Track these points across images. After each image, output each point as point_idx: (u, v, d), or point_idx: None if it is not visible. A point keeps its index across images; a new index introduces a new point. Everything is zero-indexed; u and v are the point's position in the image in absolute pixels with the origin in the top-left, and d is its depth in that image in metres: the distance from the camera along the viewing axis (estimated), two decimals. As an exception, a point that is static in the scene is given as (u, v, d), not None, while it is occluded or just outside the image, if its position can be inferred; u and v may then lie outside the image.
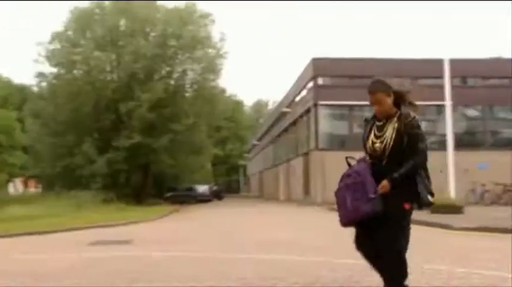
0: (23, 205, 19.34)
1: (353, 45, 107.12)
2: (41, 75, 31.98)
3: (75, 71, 31.94)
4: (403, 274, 3.42)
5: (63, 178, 31.97)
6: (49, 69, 31.71)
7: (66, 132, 31.07)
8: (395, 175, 3.40)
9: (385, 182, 3.41)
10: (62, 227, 12.91)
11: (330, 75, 31.29)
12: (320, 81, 31.05)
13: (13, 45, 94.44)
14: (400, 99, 3.59)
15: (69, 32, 31.65)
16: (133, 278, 5.37)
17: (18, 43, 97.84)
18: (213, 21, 33.36)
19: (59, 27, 32.03)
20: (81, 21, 31.34)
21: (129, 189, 31.75)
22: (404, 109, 3.57)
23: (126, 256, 7.42)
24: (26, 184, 52.08)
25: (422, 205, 3.49)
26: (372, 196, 3.36)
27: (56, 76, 31.93)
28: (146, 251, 7.86)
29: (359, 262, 4.04)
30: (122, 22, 32.34)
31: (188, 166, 38.96)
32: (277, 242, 8.73)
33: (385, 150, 3.49)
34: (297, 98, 35.33)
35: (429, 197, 3.49)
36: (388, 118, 3.57)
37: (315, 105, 30.35)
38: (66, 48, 30.97)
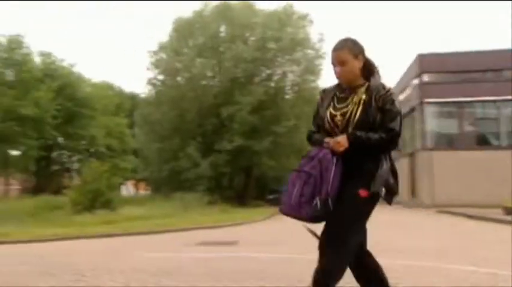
0: (136, 207, 20.44)
1: (455, 40, 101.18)
2: (150, 83, 33.88)
3: (178, 78, 33.32)
4: (342, 268, 2.81)
5: (169, 181, 33.39)
6: (157, 77, 33.57)
7: (172, 137, 32.43)
8: (358, 133, 2.79)
9: (342, 137, 2.79)
10: (171, 228, 13.40)
11: (436, 72, 29.67)
12: (426, 78, 29.58)
13: (124, 55, 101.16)
14: (370, 71, 2.98)
15: (173, 42, 33.13)
16: (242, 278, 5.29)
17: (129, 53, 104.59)
18: (311, 22, 33.17)
19: (165, 37, 33.80)
20: (184, 31, 32.70)
21: (232, 191, 32.38)
22: (375, 81, 2.96)
23: (233, 256, 7.40)
24: (136, 187, 55.44)
25: (373, 193, 2.80)
26: (320, 196, 2.74)
27: (162, 83, 33.63)
28: (252, 252, 7.80)
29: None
30: (222, 28, 33.21)
31: (289, 167, 38.88)
32: (394, 245, 8.26)
33: (348, 124, 2.85)
34: (401, 97, 33.96)
35: (383, 189, 2.86)
36: (353, 90, 2.95)
37: (421, 103, 28.95)
38: (171, 57, 32.47)
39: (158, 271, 5.88)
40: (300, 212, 2.80)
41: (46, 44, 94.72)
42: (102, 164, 21.24)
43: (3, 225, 13.17)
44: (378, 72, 3.02)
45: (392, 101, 2.87)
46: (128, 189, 52.78)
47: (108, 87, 49.57)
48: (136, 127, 38.17)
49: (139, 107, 37.79)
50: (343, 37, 2.99)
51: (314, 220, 2.81)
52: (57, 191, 35.00)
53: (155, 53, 33.24)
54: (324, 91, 3.13)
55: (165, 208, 21.12)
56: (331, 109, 2.95)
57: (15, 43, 37.53)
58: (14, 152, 39.48)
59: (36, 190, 37.60)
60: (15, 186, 46.84)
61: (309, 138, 3.11)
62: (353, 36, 3.00)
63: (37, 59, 40.88)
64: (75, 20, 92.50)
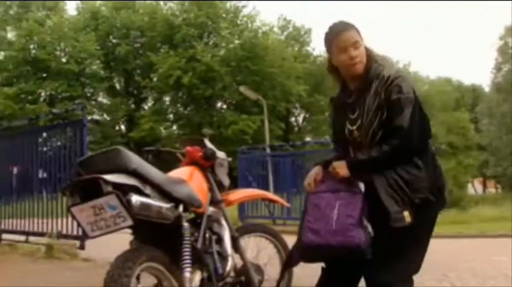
0: (487, 206, 19.08)
1: None
2: (496, 70, 31.56)
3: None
4: None
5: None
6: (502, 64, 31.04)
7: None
8: (360, 156, 2.22)
9: (339, 164, 2.23)
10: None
11: None
12: None
13: (462, 46, 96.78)
14: (369, 57, 2.29)
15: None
16: None
17: (466, 43, 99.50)
18: None
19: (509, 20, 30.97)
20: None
21: None
22: (377, 69, 2.26)
23: None
24: (484, 184, 51.97)
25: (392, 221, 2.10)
26: (366, 223, 2.12)
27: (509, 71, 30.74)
28: None
29: None
30: None
31: None
32: None
33: (374, 137, 2.22)
34: None
35: (404, 213, 2.12)
36: (360, 89, 2.27)
37: None
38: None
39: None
40: (347, 237, 2.08)
41: (381, 47, 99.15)
42: (447, 161, 20.72)
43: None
44: (378, 57, 2.35)
45: (399, 89, 2.17)
46: (474, 187, 50.00)
47: (446, 82, 48.36)
48: (481, 121, 35.97)
49: (482, 99, 35.59)
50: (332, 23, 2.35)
51: (366, 247, 2.10)
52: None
53: (501, 38, 30.77)
54: (333, 100, 2.53)
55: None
56: (348, 124, 2.33)
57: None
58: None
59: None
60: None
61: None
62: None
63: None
64: (405, 18, 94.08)
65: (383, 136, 2.17)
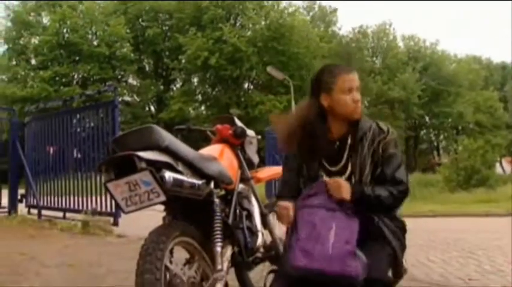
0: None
1: None
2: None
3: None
4: None
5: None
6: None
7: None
8: (367, 190, 2.04)
9: (345, 185, 2.02)
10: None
11: None
12: None
13: (493, 24, 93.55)
14: None
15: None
16: None
17: (496, 21, 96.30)
18: None
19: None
20: None
21: None
22: (366, 121, 2.16)
23: None
24: (514, 164, 50.78)
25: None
26: (358, 252, 1.92)
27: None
28: None
29: None
30: None
31: None
32: None
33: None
34: None
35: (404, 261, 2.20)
36: (342, 138, 2.14)
37: None
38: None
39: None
40: (345, 266, 1.86)
41: (409, 26, 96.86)
42: (475, 141, 20.36)
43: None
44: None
45: (395, 144, 2.14)
46: (503, 167, 48.91)
47: (475, 60, 47.07)
48: (510, 100, 35.05)
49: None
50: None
51: (361, 279, 1.90)
52: (425, 169, 35.74)
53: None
54: (302, 146, 2.21)
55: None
56: (323, 174, 2.15)
57: (382, 32, 40.22)
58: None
59: (407, 167, 39.38)
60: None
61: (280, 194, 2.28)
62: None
63: (401, 44, 42.59)
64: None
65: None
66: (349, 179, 2.09)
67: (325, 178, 2.11)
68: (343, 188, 2.00)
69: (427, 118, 43.39)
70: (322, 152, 2.13)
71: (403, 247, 2.16)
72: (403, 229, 2.20)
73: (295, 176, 2.20)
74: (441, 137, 46.71)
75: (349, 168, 2.10)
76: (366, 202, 2.02)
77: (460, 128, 43.45)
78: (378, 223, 2.07)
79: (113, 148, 2.11)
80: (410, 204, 13.85)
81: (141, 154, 1.92)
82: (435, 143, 47.94)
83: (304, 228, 1.93)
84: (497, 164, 45.18)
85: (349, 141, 2.12)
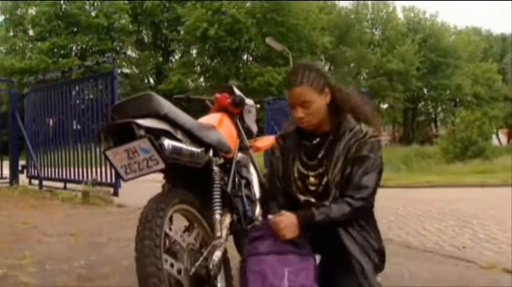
0: (510, 156, 18.83)
1: None
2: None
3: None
4: None
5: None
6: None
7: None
8: (316, 212, 1.91)
9: (289, 218, 1.90)
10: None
11: None
12: None
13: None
14: (340, 108, 2.07)
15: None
16: None
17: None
18: None
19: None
20: None
21: None
22: (350, 122, 2.05)
23: None
24: (509, 136, 50.98)
25: None
26: None
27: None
28: None
29: None
30: None
31: None
32: None
33: (328, 190, 2.00)
34: None
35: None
36: (324, 135, 2.07)
37: None
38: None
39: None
40: None
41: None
42: (472, 112, 20.39)
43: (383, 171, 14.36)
44: (354, 107, 2.09)
45: (371, 148, 1.98)
46: (499, 138, 49.11)
47: (475, 32, 46.65)
48: (508, 72, 34.92)
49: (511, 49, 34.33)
50: (297, 64, 2.24)
51: None
52: (423, 141, 35.86)
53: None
54: (283, 137, 2.23)
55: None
56: (299, 166, 2.10)
57: (382, 3, 39.71)
58: (384, 105, 42.34)
59: (404, 139, 39.55)
60: (386, 137, 50.37)
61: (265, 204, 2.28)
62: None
63: (400, 15, 42.14)
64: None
65: (340, 190, 1.98)
66: (321, 175, 2.03)
67: (270, 216, 1.97)
68: (287, 228, 1.89)
69: (425, 90, 43.28)
70: (294, 141, 2.15)
71: (375, 265, 1.98)
72: (379, 251, 2.05)
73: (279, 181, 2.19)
74: (439, 109, 46.71)
75: (324, 165, 2.04)
76: (320, 228, 1.91)
77: (458, 100, 43.40)
78: (344, 247, 1.93)
79: (111, 115, 2.11)
80: (408, 175, 14.00)
81: (140, 121, 1.92)
82: (433, 115, 47.95)
83: (253, 282, 1.77)
84: (494, 136, 45.42)
85: (330, 138, 2.06)
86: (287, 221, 1.90)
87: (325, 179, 2.01)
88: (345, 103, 2.07)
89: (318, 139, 2.08)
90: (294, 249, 1.81)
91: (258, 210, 2.74)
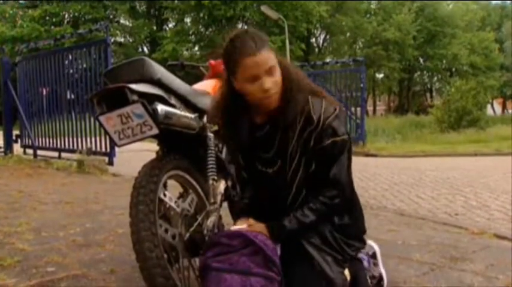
0: (505, 126, 18.93)
1: None
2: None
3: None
4: None
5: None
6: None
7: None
8: (287, 221, 1.67)
9: (258, 228, 1.68)
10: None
11: None
12: None
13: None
14: (292, 80, 1.69)
15: None
16: None
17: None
18: None
19: None
20: None
21: None
22: (298, 101, 1.68)
23: None
24: (504, 105, 51.18)
25: None
26: None
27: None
28: None
29: None
30: None
31: None
32: None
33: (292, 183, 1.72)
34: None
35: (345, 272, 1.73)
36: (273, 116, 1.71)
37: None
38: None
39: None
40: None
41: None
42: (467, 82, 20.33)
43: (377, 141, 14.45)
44: (300, 79, 1.73)
45: (333, 131, 1.66)
46: (493, 108, 49.32)
47: (473, 1, 46.14)
48: (505, 40, 34.72)
49: (508, 18, 34.06)
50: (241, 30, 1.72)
51: None
52: (418, 111, 35.90)
53: None
54: (233, 126, 1.85)
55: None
56: (259, 165, 1.80)
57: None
58: (379, 75, 42.18)
59: (399, 109, 39.60)
60: (381, 106, 50.43)
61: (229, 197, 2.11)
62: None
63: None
64: None
65: (311, 185, 1.71)
66: (282, 170, 1.74)
67: (232, 227, 1.77)
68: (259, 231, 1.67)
69: (421, 60, 43.04)
70: (242, 138, 1.81)
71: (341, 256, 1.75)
72: (354, 235, 1.81)
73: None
74: (435, 79, 46.62)
75: (279, 161, 1.75)
76: (293, 235, 1.69)
77: (453, 70, 43.24)
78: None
79: (104, 81, 2.08)
80: (402, 144, 14.07)
81: (133, 86, 1.90)
82: (428, 85, 47.90)
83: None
84: (489, 106, 45.58)
85: (281, 126, 1.71)
86: (255, 227, 1.71)
87: (284, 174, 1.73)
88: (291, 74, 1.72)
89: (267, 127, 1.75)
90: (260, 270, 1.58)
91: None
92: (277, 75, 1.66)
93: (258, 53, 1.62)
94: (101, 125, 2.01)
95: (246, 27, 35.46)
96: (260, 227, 1.69)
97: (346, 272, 1.75)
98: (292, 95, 1.68)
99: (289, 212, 1.70)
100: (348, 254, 1.75)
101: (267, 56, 1.64)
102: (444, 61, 41.92)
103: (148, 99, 1.92)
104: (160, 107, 1.94)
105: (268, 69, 1.63)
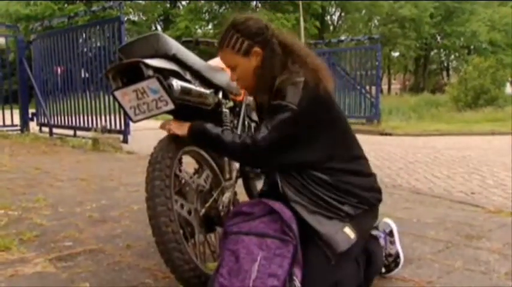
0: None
1: None
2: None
3: None
4: None
5: None
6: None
7: None
8: (212, 130, 1.83)
9: (179, 122, 1.96)
10: None
11: None
12: None
13: None
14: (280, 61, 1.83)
15: None
16: None
17: None
18: None
19: None
20: None
21: None
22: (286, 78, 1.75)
23: None
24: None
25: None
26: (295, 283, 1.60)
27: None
28: None
29: None
30: None
31: None
32: None
33: None
34: None
35: (345, 229, 1.70)
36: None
37: None
38: None
39: None
40: None
41: None
42: (485, 59, 19.90)
43: (392, 119, 14.33)
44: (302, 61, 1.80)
45: (283, 95, 1.71)
46: (512, 86, 48.37)
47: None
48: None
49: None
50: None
51: None
52: (434, 90, 35.40)
53: None
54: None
55: None
56: None
57: None
58: (395, 53, 41.57)
59: (414, 88, 39.08)
60: (396, 85, 49.83)
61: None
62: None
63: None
64: None
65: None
66: None
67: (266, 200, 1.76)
68: (178, 127, 1.93)
69: (438, 38, 42.28)
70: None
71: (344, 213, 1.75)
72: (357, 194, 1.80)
73: None
74: (452, 57, 45.84)
75: None
76: (209, 144, 1.88)
77: (472, 47, 42.36)
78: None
79: (119, 56, 2.07)
80: (418, 123, 13.93)
81: (148, 61, 1.88)
82: (445, 64, 47.14)
83: (227, 261, 1.65)
84: (508, 84, 44.62)
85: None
86: (178, 122, 1.96)
87: None
88: (275, 64, 1.81)
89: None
90: (276, 234, 1.64)
91: None
92: (241, 68, 1.84)
93: (221, 51, 1.88)
94: (116, 100, 2.00)
95: (260, 5, 35.34)
96: (184, 123, 1.91)
97: (348, 229, 1.72)
98: (264, 81, 1.82)
99: (222, 128, 1.94)
100: (343, 212, 1.73)
101: (226, 56, 1.87)
102: (462, 38, 41.08)
103: (163, 75, 1.90)
104: (176, 83, 1.92)
105: (228, 66, 1.89)
